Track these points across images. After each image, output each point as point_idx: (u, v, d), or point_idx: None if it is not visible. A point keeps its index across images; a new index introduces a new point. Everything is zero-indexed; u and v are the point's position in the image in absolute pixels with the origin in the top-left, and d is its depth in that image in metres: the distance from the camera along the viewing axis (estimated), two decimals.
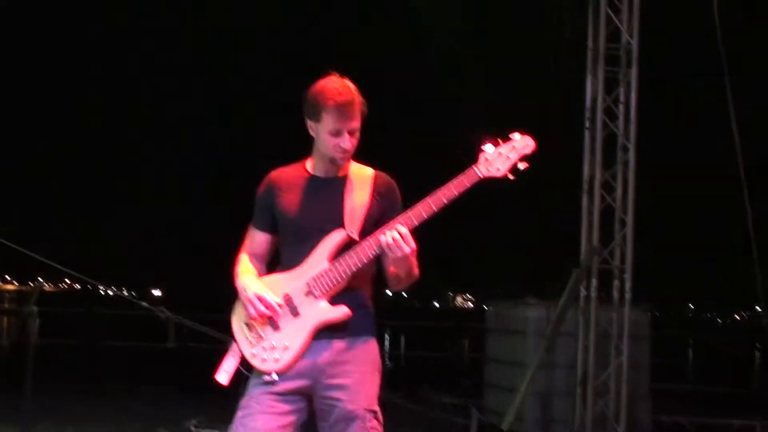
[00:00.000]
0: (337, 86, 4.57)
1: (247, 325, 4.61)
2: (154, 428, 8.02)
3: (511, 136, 4.49)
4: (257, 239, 4.81)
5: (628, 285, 11.06)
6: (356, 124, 4.57)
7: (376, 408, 4.62)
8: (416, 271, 4.62)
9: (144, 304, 8.58)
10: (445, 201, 4.44)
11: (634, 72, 11.10)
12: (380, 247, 4.42)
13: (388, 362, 26.99)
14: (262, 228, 4.79)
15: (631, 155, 11.07)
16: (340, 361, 4.56)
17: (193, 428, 7.60)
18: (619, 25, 11.14)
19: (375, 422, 4.59)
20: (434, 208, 4.44)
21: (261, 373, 4.55)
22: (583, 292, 11.13)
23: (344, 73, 4.63)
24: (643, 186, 11.49)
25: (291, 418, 4.57)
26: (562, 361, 11.61)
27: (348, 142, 4.56)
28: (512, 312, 12.52)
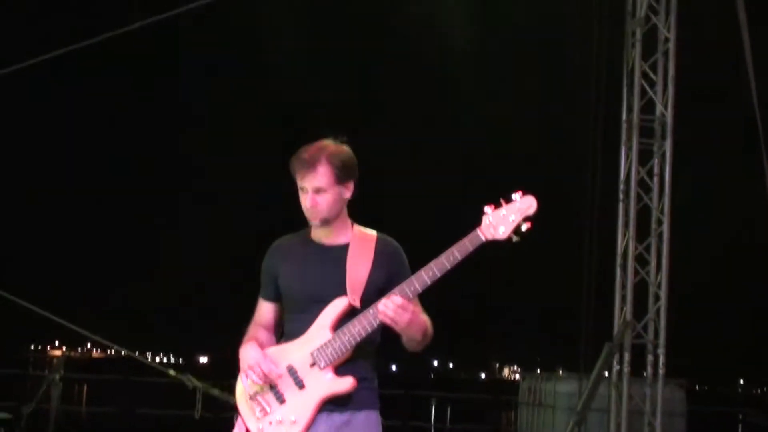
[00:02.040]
0: (309, 145, 4.53)
1: (252, 398, 4.51)
2: None
3: (513, 196, 4.39)
4: (263, 309, 4.72)
5: (662, 360, 10.89)
6: (320, 183, 4.46)
7: None
8: (426, 333, 4.49)
9: (171, 372, 8.55)
10: (448, 266, 4.34)
11: (668, 143, 11.04)
12: (380, 318, 4.34)
13: None
14: (267, 297, 4.70)
15: (665, 228, 10.95)
16: None
17: None
18: (653, 97, 11.09)
19: None
20: (438, 273, 4.34)
21: None
22: (615, 367, 10.97)
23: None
24: (680, 258, 11.34)
25: None
26: None
27: (308, 201, 4.48)
28: (543, 385, 12.38)
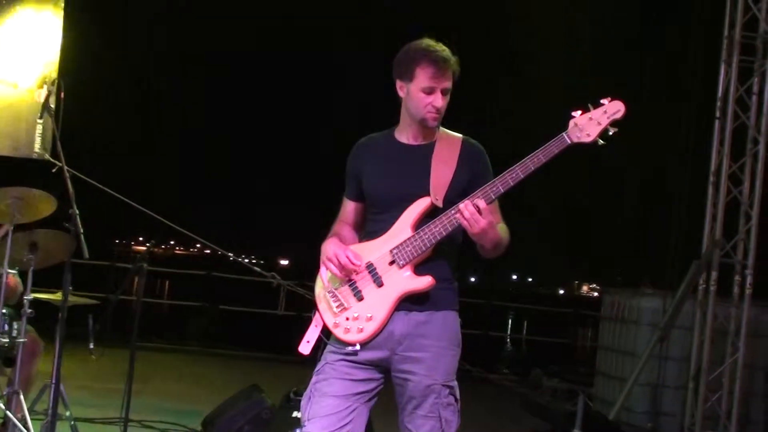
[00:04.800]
0: (432, 44, 4.48)
1: (331, 294, 4.52)
2: (257, 392, 8.03)
3: (601, 101, 4.35)
4: (347, 208, 4.73)
5: (749, 280, 10.75)
6: (449, 83, 4.47)
7: (453, 383, 4.49)
8: (503, 240, 4.47)
9: (257, 269, 8.60)
10: (532, 167, 4.29)
11: None
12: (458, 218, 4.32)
13: (508, 345, 26.92)
14: (351, 197, 4.71)
15: (761, 148, 10.75)
16: (417, 334, 4.43)
17: (292, 395, 7.57)
18: (757, 13, 10.82)
19: (451, 398, 4.46)
20: (522, 175, 4.30)
21: (342, 342, 4.47)
22: (702, 285, 10.88)
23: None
24: None
25: (367, 387, 4.47)
26: (676, 354, 11.41)
27: (440, 101, 4.45)
28: (628, 301, 12.30)
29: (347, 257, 4.44)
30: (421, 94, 4.45)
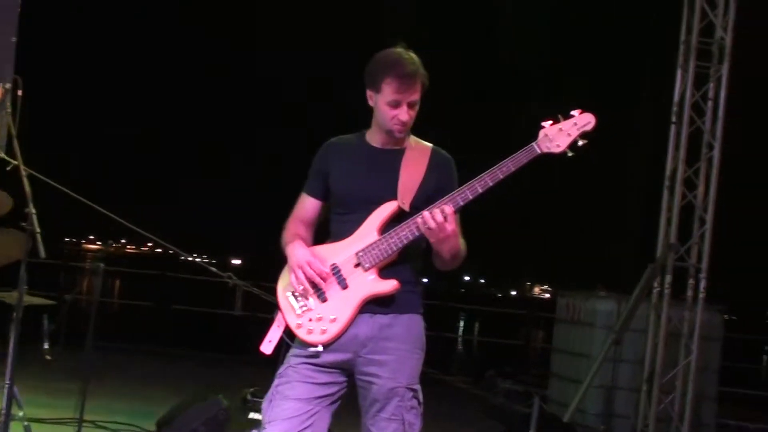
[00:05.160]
0: (400, 56, 4.47)
1: (294, 295, 4.52)
2: (212, 393, 8.01)
3: (572, 112, 4.39)
4: (307, 205, 4.71)
5: (702, 284, 10.86)
6: (416, 96, 4.47)
7: (417, 387, 4.50)
8: (461, 253, 4.51)
9: (213, 269, 8.58)
10: (501, 176, 4.33)
11: (725, 68, 10.88)
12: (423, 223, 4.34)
13: (459, 347, 27.00)
14: (314, 194, 4.69)
15: (716, 153, 10.86)
16: (381, 336, 4.44)
17: (249, 397, 7.56)
18: (713, 19, 10.92)
19: (415, 401, 4.47)
20: (490, 183, 4.33)
21: (305, 344, 4.46)
22: (656, 288, 10.96)
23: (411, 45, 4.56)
24: (727, 185, 11.25)
25: (329, 390, 4.47)
26: (630, 356, 11.47)
27: (406, 115, 4.46)
28: (583, 303, 12.37)
29: (318, 267, 4.46)
30: (387, 108, 4.46)
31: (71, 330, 9.07)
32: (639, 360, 11.23)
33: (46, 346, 7.26)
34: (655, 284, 10.95)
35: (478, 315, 36.32)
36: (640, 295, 10.78)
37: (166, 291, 19.68)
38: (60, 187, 7.68)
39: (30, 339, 7.37)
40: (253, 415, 7.38)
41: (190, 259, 10.92)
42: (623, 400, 11.59)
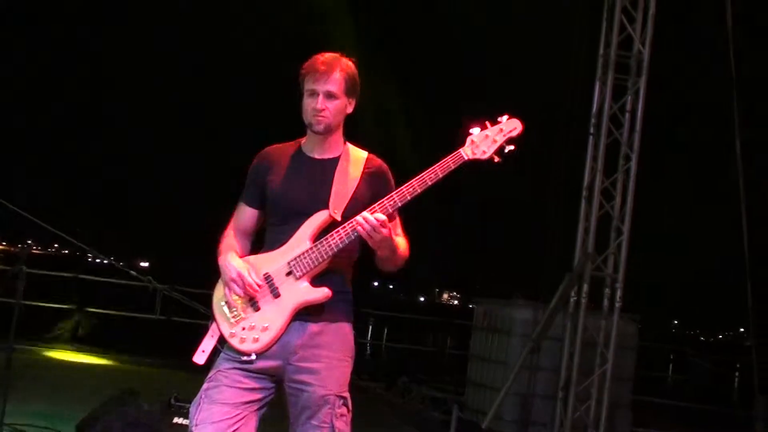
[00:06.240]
0: (321, 55, 4.59)
1: (227, 304, 4.55)
2: (133, 397, 7.95)
3: (498, 119, 4.47)
4: (245, 214, 4.75)
5: (618, 294, 11.04)
6: (332, 88, 4.52)
7: (347, 394, 4.56)
8: (402, 252, 4.59)
9: (134, 273, 8.53)
10: (429, 183, 4.40)
11: (643, 81, 11.07)
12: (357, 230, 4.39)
13: (368, 352, 27.00)
14: (251, 203, 4.73)
15: (633, 164, 11.05)
16: (312, 344, 4.49)
17: (173, 401, 7.52)
18: (632, 33, 11.11)
19: (344, 409, 4.52)
20: (418, 189, 4.40)
21: (238, 352, 4.49)
22: (573, 298, 11.10)
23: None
24: (642, 196, 11.44)
25: (257, 396, 4.51)
26: (547, 364, 11.60)
27: (321, 103, 4.52)
28: (500, 311, 12.49)
29: (249, 279, 4.50)
30: (307, 100, 4.54)
31: None
32: (556, 368, 11.36)
33: None
34: (573, 293, 11.08)
35: (387, 321, 36.34)
36: (558, 303, 10.92)
37: (80, 292, 19.49)
38: None
39: None
40: (178, 420, 7.36)
41: (106, 261, 10.79)
42: (540, 408, 11.71)
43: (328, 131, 4.58)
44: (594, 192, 11.10)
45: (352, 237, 4.42)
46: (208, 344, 4.56)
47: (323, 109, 4.53)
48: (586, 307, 11.06)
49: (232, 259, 4.59)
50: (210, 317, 4.62)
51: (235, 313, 4.53)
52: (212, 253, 4.73)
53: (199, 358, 4.55)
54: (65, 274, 20.03)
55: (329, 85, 4.53)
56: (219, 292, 4.61)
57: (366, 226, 4.33)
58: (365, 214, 4.36)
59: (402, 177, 4.56)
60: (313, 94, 4.52)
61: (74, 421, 8.16)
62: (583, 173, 11.25)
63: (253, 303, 4.51)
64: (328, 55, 4.58)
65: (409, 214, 4.62)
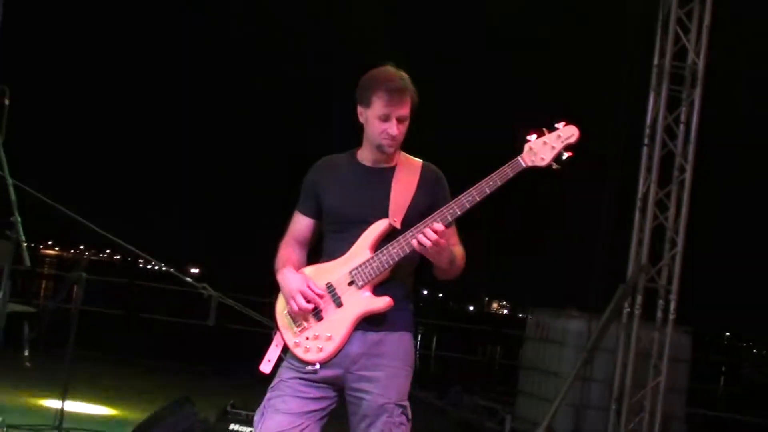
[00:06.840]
0: (389, 72, 4.57)
1: (291, 314, 4.60)
2: (188, 405, 8.01)
3: (556, 125, 4.46)
4: (301, 224, 4.78)
5: (672, 305, 10.97)
6: (405, 111, 4.54)
7: (406, 403, 4.57)
8: (459, 263, 4.62)
9: (189, 279, 8.62)
10: (488, 191, 4.40)
11: (698, 92, 11.03)
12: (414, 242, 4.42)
13: (417, 361, 27.02)
14: (307, 213, 4.76)
15: (687, 176, 11.01)
16: (372, 353, 4.51)
17: (230, 408, 7.58)
18: (686, 44, 11.07)
19: (403, 417, 4.54)
20: (477, 198, 4.41)
21: (302, 362, 4.53)
22: (626, 309, 11.07)
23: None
24: (697, 208, 11.39)
25: (320, 405, 4.55)
26: (600, 375, 11.57)
27: (395, 129, 4.53)
28: (553, 322, 12.48)
29: (310, 294, 4.52)
30: (377, 122, 4.54)
31: (46, 338, 9.07)
32: (609, 380, 11.30)
33: (26, 353, 7.28)
34: (626, 305, 11.05)
35: (435, 329, 36.37)
36: (611, 315, 10.89)
37: (133, 300, 19.64)
38: (47, 199, 7.69)
39: (8, 346, 7.41)
40: (234, 427, 7.42)
41: (163, 268, 10.87)
42: (593, 419, 11.68)
43: (395, 151, 4.65)
44: (648, 203, 11.06)
45: (413, 247, 4.44)
46: (273, 353, 4.62)
47: (400, 134, 4.58)
48: (639, 318, 11.02)
49: (291, 275, 4.61)
50: (273, 327, 4.67)
51: (299, 322, 4.57)
52: (264, 261, 4.78)
53: (266, 367, 4.61)
54: (118, 280, 20.19)
55: (404, 110, 4.56)
56: (282, 303, 4.65)
57: (427, 241, 4.36)
58: (422, 226, 4.39)
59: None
60: (387, 118, 4.53)
61: (131, 427, 8.24)
62: (636, 184, 11.23)
63: (316, 312, 4.54)
64: (397, 76, 4.57)
65: (460, 222, 4.64)
